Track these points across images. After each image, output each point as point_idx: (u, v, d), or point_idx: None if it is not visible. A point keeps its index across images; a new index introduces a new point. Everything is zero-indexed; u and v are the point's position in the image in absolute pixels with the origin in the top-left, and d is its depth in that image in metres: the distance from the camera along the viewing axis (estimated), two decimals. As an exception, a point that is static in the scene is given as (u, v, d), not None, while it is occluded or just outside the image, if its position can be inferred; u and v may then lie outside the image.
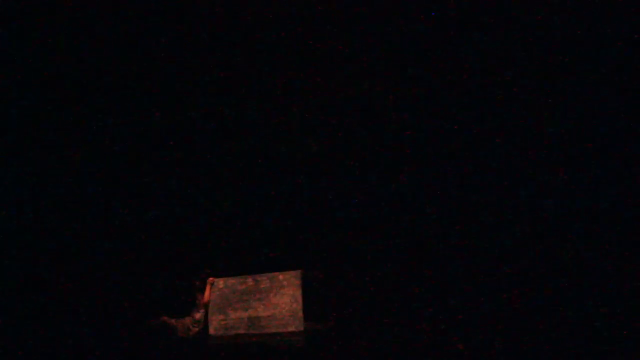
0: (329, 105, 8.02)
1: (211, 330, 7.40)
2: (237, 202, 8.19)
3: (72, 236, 7.97)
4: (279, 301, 7.19)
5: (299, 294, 7.07)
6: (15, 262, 7.74)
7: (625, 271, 6.20)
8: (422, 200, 7.47)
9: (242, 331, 7.35)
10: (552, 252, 6.59)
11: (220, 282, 7.58)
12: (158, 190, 8.29)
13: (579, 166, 6.66)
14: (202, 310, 7.51)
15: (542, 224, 6.70)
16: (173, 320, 7.33)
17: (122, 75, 8.19)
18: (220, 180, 8.31)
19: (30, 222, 7.91)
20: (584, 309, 6.11)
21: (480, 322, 6.52)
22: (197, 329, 7.43)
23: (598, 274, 6.31)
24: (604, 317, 6.00)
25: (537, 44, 7.01)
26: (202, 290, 7.62)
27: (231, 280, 7.57)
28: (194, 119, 8.30)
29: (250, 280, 7.46)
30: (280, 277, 7.23)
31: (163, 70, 8.21)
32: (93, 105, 8.23)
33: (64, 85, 8.18)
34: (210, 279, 7.71)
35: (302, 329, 6.98)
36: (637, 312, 5.93)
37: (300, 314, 7.01)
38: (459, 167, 7.34)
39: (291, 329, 7.01)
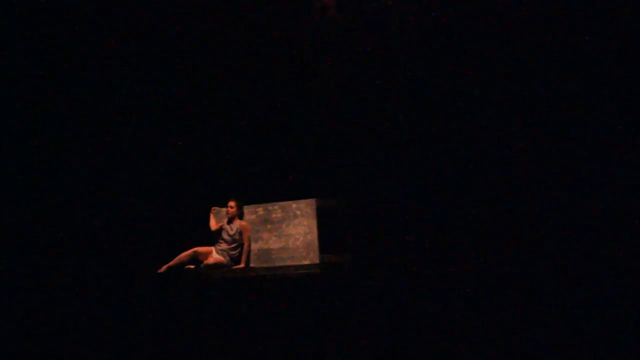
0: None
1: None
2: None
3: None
4: (292, 232, 6.89)
5: (314, 224, 6.76)
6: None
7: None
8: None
9: (252, 264, 7.09)
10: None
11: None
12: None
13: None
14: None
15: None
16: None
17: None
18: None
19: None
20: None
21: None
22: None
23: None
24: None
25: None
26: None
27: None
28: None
29: (260, 210, 7.14)
30: (294, 206, 6.90)
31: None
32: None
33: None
34: (214, 208, 7.45)
35: (317, 261, 6.69)
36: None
37: (316, 245, 6.72)
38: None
39: (306, 261, 6.73)
